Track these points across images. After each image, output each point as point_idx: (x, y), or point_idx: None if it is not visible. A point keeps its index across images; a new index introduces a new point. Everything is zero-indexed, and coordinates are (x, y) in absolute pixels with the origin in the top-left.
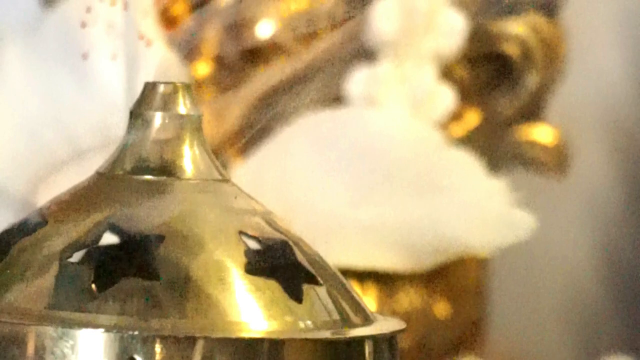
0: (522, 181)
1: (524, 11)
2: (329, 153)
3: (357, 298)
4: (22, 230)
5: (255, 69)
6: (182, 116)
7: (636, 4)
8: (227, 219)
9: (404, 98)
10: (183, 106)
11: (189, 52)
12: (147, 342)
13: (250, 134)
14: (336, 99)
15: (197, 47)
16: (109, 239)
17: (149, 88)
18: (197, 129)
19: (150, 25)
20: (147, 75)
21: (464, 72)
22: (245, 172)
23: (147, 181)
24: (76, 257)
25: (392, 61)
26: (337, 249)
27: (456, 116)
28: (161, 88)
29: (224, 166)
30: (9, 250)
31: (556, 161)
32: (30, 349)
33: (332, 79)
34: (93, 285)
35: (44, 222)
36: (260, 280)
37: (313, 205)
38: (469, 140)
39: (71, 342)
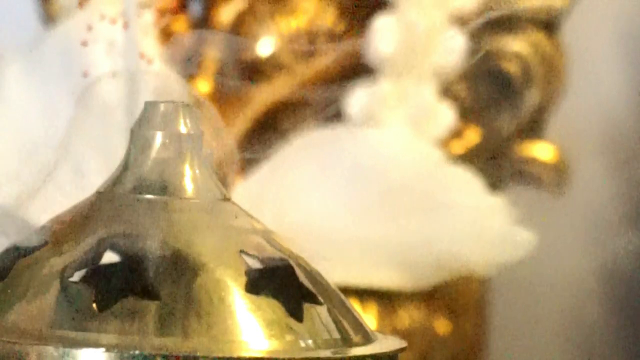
0: (522, 198)
1: (524, 29)
2: (329, 171)
3: (358, 317)
4: (22, 249)
5: (256, 86)
6: (182, 135)
7: (636, 22)
8: (228, 238)
9: (404, 116)
10: (184, 125)
11: (189, 70)
12: None
13: (251, 152)
14: (336, 117)
15: (198, 65)
16: (110, 258)
17: (150, 107)
18: (198, 148)
19: (151, 44)
20: (148, 93)
21: (464, 89)
22: (246, 190)
23: (148, 200)
24: (77, 276)
25: (392, 79)
26: (337, 267)
27: (456, 134)
28: (162, 107)
29: (224, 184)
30: (9, 270)
31: (556, 178)
32: None
33: (332, 97)
34: (94, 305)
35: (44, 242)
36: (261, 300)
37: (313, 223)
38: (469, 158)
39: None
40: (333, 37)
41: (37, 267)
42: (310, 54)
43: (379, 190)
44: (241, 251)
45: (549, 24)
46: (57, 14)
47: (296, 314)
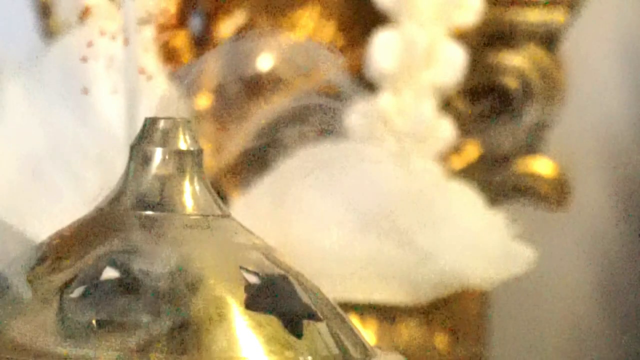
0: (521, 214)
1: (524, 44)
2: (329, 186)
3: (357, 333)
4: (23, 265)
5: (256, 101)
6: (182, 152)
7: (635, 37)
8: (228, 254)
9: (403, 131)
10: (183, 142)
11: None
12: None
13: (251, 167)
14: (336, 132)
15: (198, 80)
16: (110, 274)
17: (149, 123)
18: (198, 164)
19: (151, 60)
20: (148, 109)
21: (464, 104)
22: (245, 205)
23: (148, 217)
24: (77, 292)
25: (391, 94)
26: (337, 283)
27: (456, 149)
28: (161, 124)
29: (224, 199)
30: (10, 285)
31: (555, 193)
32: None
33: (332, 112)
34: (94, 321)
35: (45, 257)
36: (260, 316)
37: (312, 238)
38: (469, 173)
39: None
40: (333, 52)
41: (37, 283)
42: (310, 69)
43: (379, 205)
44: (241, 267)
45: (548, 39)
46: (57, 29)
47: (296, 331)
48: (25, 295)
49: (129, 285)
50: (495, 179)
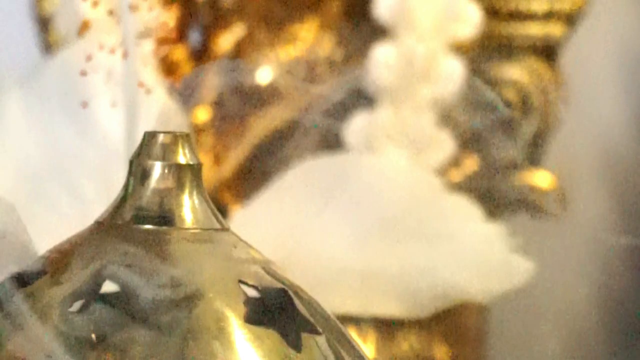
0: (520, 227)
1: (522, 57)
2: (328, 199)
3: (356, 346)
4: (22, 279)
5: (255, 114)
6: (181, 166)
7: (634, 51)
8: (227, 268)
9: (402, 144)
10: (182, 156)
11: (188, 99)
12: None
13: (250, 181)
14: (335, 145)
15: (197, 94)
16: (109, 288)
17: (149, 137)
18: (197, 178)
19: (150, 74)
20: (147, 123)
21: (463, 117)
22: (244, 218)
23: (147, 231)
24: (76, 306)
25: (390, 107)
26: (336, 296)
27: (455, 162)
28: (161, 138)
29: (223, 213)
30: (9, 300)
31: (554, 206)
32: None
33: (331, 125)
34: (93, 335)
35: (43, 271)
36: (259, 330)
37: (312, 252)
38: (468, 186)
39: None
40: (332, 65)
41: (36, 297)
42: (309, 82)
43: (378, 218)
44: (240, 281)
45: (547, 52)
46: (56, 43)
47: (295, 344)
48: (24, 309)
49: (128, 299)
50: (494, 191)
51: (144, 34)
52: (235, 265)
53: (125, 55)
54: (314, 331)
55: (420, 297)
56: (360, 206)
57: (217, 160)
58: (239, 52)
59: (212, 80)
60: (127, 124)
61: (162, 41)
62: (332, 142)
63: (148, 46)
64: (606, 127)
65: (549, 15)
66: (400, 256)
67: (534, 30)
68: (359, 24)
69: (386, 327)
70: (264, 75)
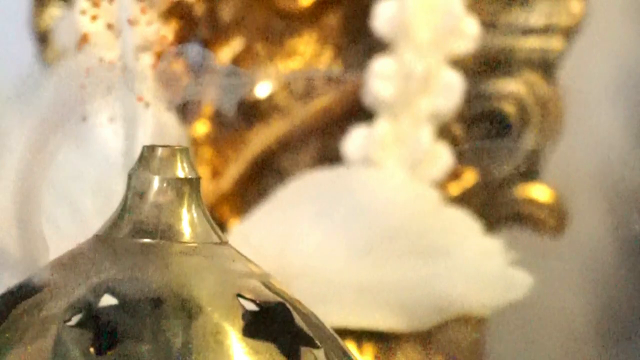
0: (519, 240)
1: (521, 71)
2: (327, 213)
3: (355, 359)
4: (21, 292)
5: (253, 128)
6: (180, 180)
7: (632, 64)
8: (225, 282)
9: (401, 157)
10: (181, 170)
11: (187, 113)
12: None
13: (248, 194)
14: (334, 158)
15: (196, 107)
16: (108, 301)
17: (147, 151)
18: (195, 192)
19: (149, 87)
20: (146, 136)
21: (461, 131)
22: (243, 232)
23: (145, 244)
24: (75, 320)
25: (389, 121)
26: (335, 310)
27: (453, 175)
28: (159, 151)
29: (221, 227)
30: (8, 313)
31: (553, 220)
32: None
33: (329, 139)
34: (92, 349)
35: (43, 285)
36: (257, 343)
37: (310, 265)
38: (466, 200)
39: None
40: (330, 79)
41: (35, 311)
42: (308, 96)
43: (376, 231)
44: (238, 295)
45: (545, 66)
46: (55, 57)
47: (293, 358)
48: (24, 322)
49: (126, 312)
50: (492, 205)
51: (143, 48)
52: (234, 279)
53: (124, 69)
54: (312, 345)
55: (418, 310)
56: (359, 220)
57: (216, 173)
58: (238, 65)
59: (211, 95)
60: (126, 138)
61: (161, 55)
62: (330, 156)
63: (147, 60)
64: (604, 140)
65: (546, 30)
66: (398, 269)
67: (532, 44)
68: (357, 38)
69: (385, 341)
70: (263, 89)
